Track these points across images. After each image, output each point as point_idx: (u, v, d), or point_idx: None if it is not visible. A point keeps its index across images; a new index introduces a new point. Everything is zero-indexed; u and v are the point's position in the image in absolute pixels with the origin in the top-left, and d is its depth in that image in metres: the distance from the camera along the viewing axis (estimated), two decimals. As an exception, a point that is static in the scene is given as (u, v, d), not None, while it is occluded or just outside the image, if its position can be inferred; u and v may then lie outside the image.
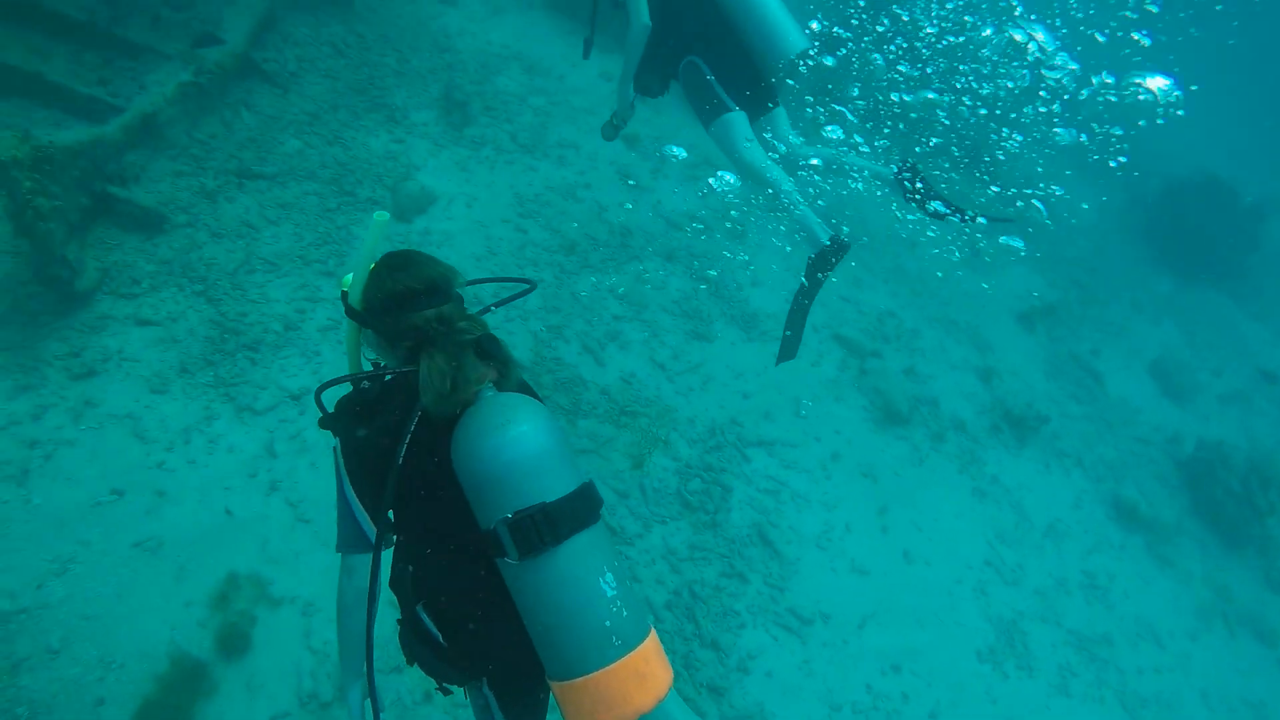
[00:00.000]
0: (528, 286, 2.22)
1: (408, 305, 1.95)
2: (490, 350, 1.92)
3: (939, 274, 9.27)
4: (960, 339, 8.44)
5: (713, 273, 7.42)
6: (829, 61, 4.84)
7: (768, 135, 4.46)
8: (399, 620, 2.03)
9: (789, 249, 8.09)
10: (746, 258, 7.86)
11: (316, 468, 4.81)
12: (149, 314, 5.14)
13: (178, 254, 5.47)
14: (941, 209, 4.08)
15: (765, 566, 5.58)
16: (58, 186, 4.59)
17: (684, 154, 4.05)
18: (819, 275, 3.99)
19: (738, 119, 4.23)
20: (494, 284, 2.23)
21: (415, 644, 1.99)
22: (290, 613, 4.31)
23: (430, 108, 7.43)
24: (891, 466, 6.68)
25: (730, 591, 5.35)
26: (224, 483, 4.65)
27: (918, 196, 4.07)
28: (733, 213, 8.21)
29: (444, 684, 2.08)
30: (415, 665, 2.05)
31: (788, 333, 4.33)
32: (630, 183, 7.89)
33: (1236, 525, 8.01)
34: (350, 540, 2.02)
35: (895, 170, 4.22)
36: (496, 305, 2.24)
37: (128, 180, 5.58)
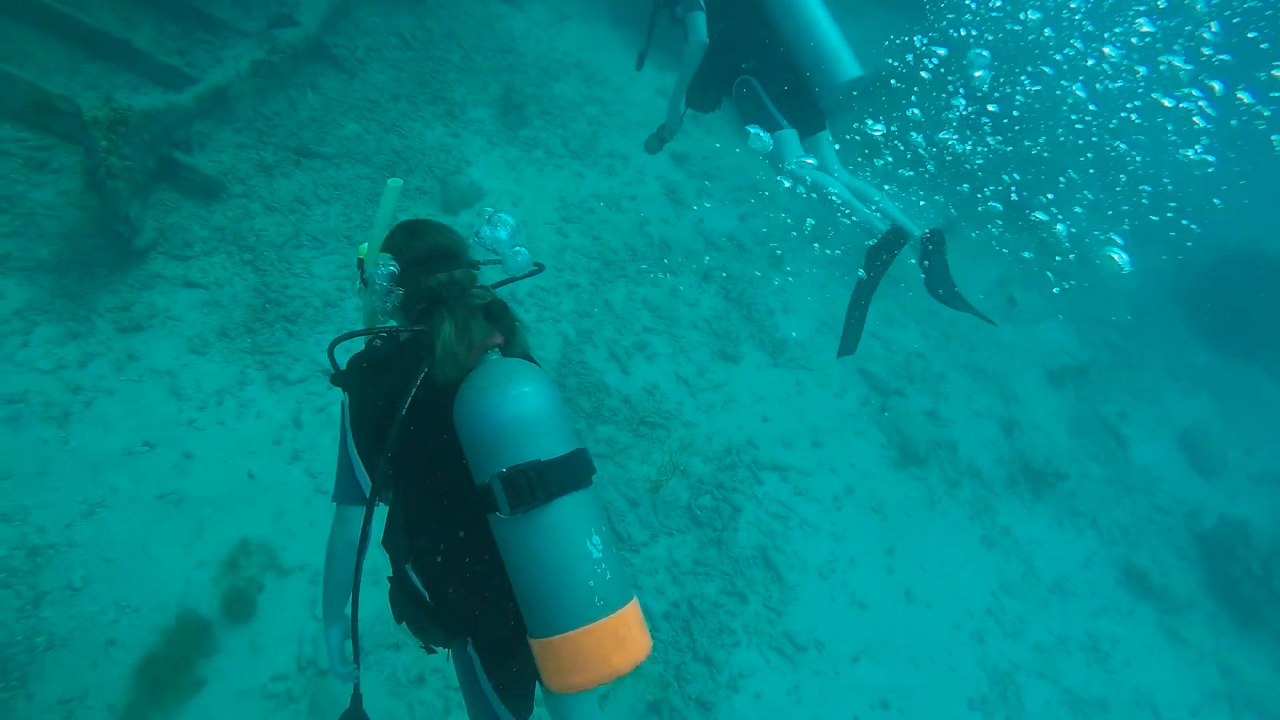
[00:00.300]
0: (536, 269, 2.27)
1: (421, 268, 2.04)
2: (498, 315, 1.99)
3: (971, 321, 9.23)
4: (986, 387, 8.41)
5: (722, 274, 7.49)
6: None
7: (811, 160, 4.53)
8: (389, 578, 2.09)
9: (826, 275, 8.14)
10: (780, 284, 7.92)
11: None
12: (197, 277, 5.33)
13: (230, 222, 5.68)
14: (939, 290, 4.09)
15: (766, 589, 5.62)
16: (129, 148, 4.80)
17: (768, 140, 4.09)
18: (880, 261, 3.95)
19: (789, 136, 4.28)
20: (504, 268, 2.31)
21: (404, 602, 2.06)
22: (299, 581, 4.44)
23: (488, 106, 7.61)
24: (903, 506, 6.67)
25: (728, 609, 5.39)
26: (249, 447, 4.81)
27: (926, 264, 4.05)
28: (772, 243, 8.28)
29: (430, 644, 2.13)
30: (403, 624, 2.12)
31: (848, 326, 4.29)
32: (673, 199, 8.01)
33: (1253, 607, 7.84)
34: (347, 492, 2.10)
35: (922, 234, 4.19)
36: (501, 284, 2.29)
37: (193, 148, 5.81)
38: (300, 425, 4.92)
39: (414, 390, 1.90)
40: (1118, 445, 8.95)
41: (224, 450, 4.74)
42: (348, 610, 2.22)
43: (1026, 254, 10.56)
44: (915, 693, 5.49)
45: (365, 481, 2.05)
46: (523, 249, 2.18)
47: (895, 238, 3.87)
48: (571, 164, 7.65)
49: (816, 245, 8.41)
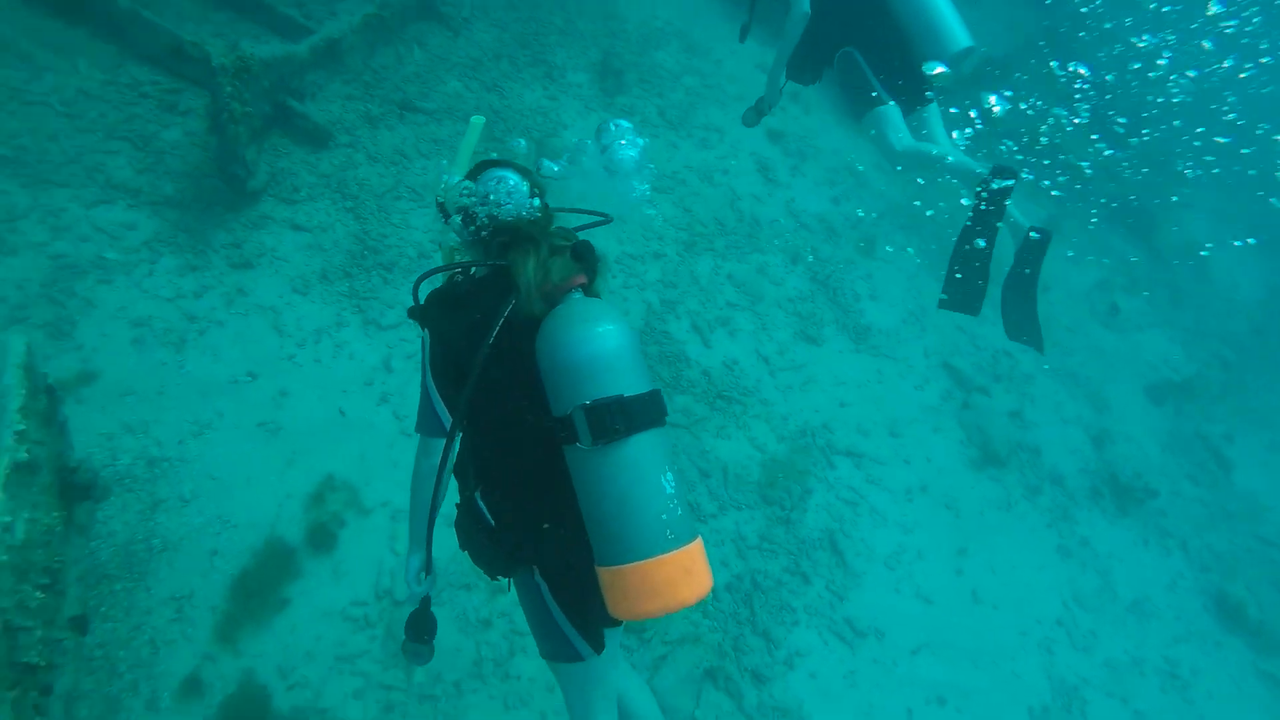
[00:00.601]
0: (603, 219, 2.31)
1: (502, 207, 2.11)
2: (585, 256, 2.04)
3: (1067, 323, 8.87)
4: (1077, 394, 8.08)
5: (809, 257, 7.37)
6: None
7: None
8: (457, 505, 2.17)
9: (916, 265, 7.93)
10: (868, 270, 7.76)
11: (426, 389, 5.14)
12: (303, 220, 5.58)
13: (336, 170, 5.90)
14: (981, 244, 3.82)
15: (830, 572, 5.59)
16: (250, 94, 5.04)
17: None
18: (992, 207, 3.72)
19: (892, 111, 4.14)
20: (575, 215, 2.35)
21: (471, 528, 2.15)
22: (379, 518, 4.63)
23: (587, 70, 7.66)
24: (977, 505, 6.51)
25: (791, 588, 5.39)
26: (342, 385, 5.04)
27: (982, 208, 3.78)
28: (859, 212, 8.09)
29: (493, 573, 2.21)
30: (466, 552, 2.21)
31: (958, 275, 3.95)
32: (768, 176, 7.91)
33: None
34: (427, 423, 2.19)
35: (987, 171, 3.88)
36: (584, 227, 2.33)
37: (305, 97, 6.05)
38: (390, 369, 5.11)
39: (501, 322, 1.95)
40: (1219, 468, 8.47)
41: (319, 387, 4.97)
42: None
43: (1133, 257, 10.06)
44: (974, 693, 5.39)
45: (445, 414, 2.12)
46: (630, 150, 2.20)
47: (1002, 174, 3.63)
48: (666, 134, 7.64)
49: (910, 234, 8.20)
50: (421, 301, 2.15)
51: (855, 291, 7.49)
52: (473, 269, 2.14)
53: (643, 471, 1.82)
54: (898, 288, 7.72)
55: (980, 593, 5.92)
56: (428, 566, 2.32)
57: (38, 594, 2.57)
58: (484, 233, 2.15)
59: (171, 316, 4.86)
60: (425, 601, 2.31)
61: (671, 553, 1.80)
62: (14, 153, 4.89)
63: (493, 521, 2.11)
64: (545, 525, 2.05)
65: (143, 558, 4.07)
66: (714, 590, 5.21)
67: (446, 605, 4.39)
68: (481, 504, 2.12)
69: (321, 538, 4.45)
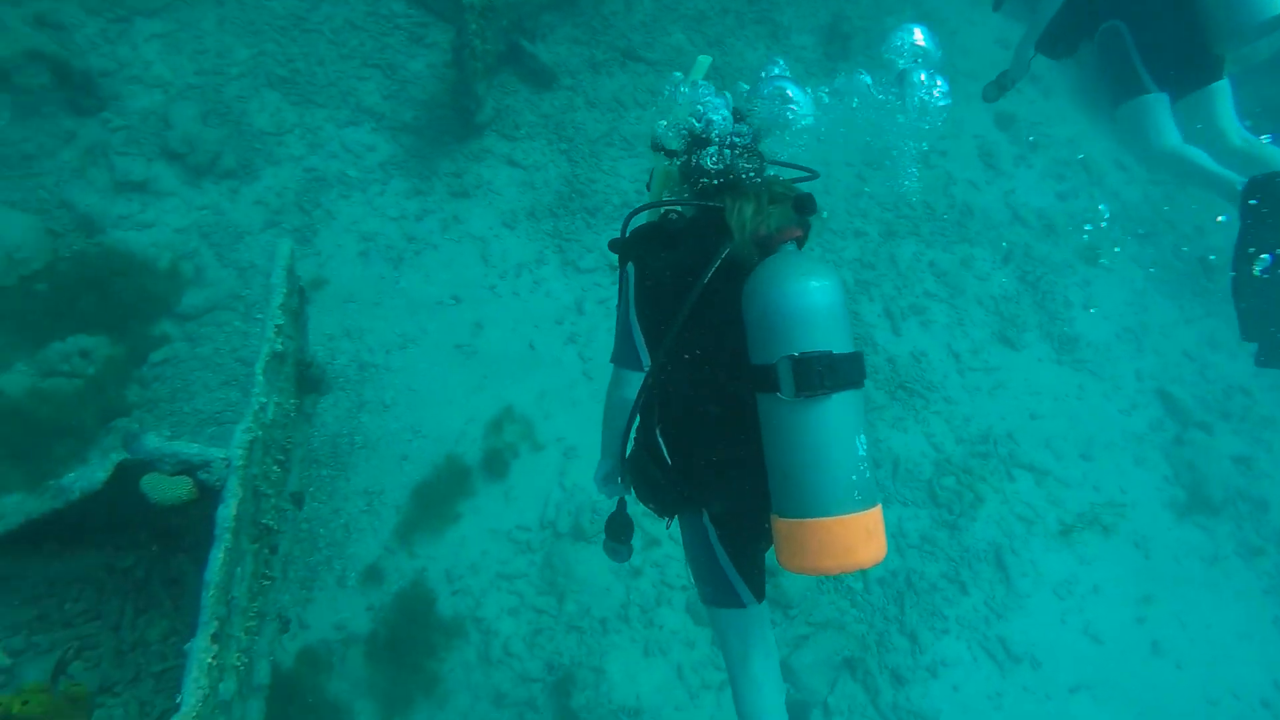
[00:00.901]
0: (809, 174, 2.22)
1: (720, 148, 2.07)
2: (807, 207, 1.98)
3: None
4: (1327, 449, 7.04)
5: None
6: None
7: (1198, 126, 3.79)
8: (634, 438, 2.19)
9: (1146, 279, 7.15)
10: (1087, 276, 7.08)
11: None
12: (520, 157, 5.83)
13: (555, 112, 6.10)
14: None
15: (991, 588, 5.29)
16: (491, 31, 5.28)
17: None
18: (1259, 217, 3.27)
19: (1156, 102, 3.65)
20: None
21: (646, 464, 2.16)
22: (553, 453, 4.85)
23: (813, 33, 7.40)
24: (1174, 550, 5.88)
25: (946, 595, 5.16)
26: (535, 320, 5.28)
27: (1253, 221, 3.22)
28: (1087, 226, 7.38)
29: (662, 511, 2.23)
30: (631, 493, 2.24)
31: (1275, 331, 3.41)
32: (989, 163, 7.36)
33: None
34: (625, 356, 2.20)
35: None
36: (798, 179, 2.25)
37: (536, 38, 6.26)
38: (582, 311, 5.30)
39: (716, 265, 1.93)
40: None
41: (514, 319, 5.24)
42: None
43: None
44: (1137, 751, 4.97)
45: (643, 349, 2.13)
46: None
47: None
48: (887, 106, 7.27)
49: (1145, 244, 7.38)
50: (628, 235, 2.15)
51: (1067, 298, 6.87)
52: (682, 209, 2.11)
53: (840, 430, 1.80)
54: (1118, 300, 7.00)
55: (1163, 646, 5.39)
56: (619, 475, 2.37)
57: (275, 468, 2.92)
58: (704, 178, 2.11)
59: (394, 235, 5.27)
60: (621, 504, 2.37)
61: (857, 514, 1.79)
62: (290, 74, 5.44)
63: (670, 460, 2.13)
64: (723, 470, 2.05)
65: (346, 450, 4.52)
66: (865, 582, 5.10)
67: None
68: (661, 441, 2.15)
69: (496, 464, 4.74)
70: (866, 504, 1.80)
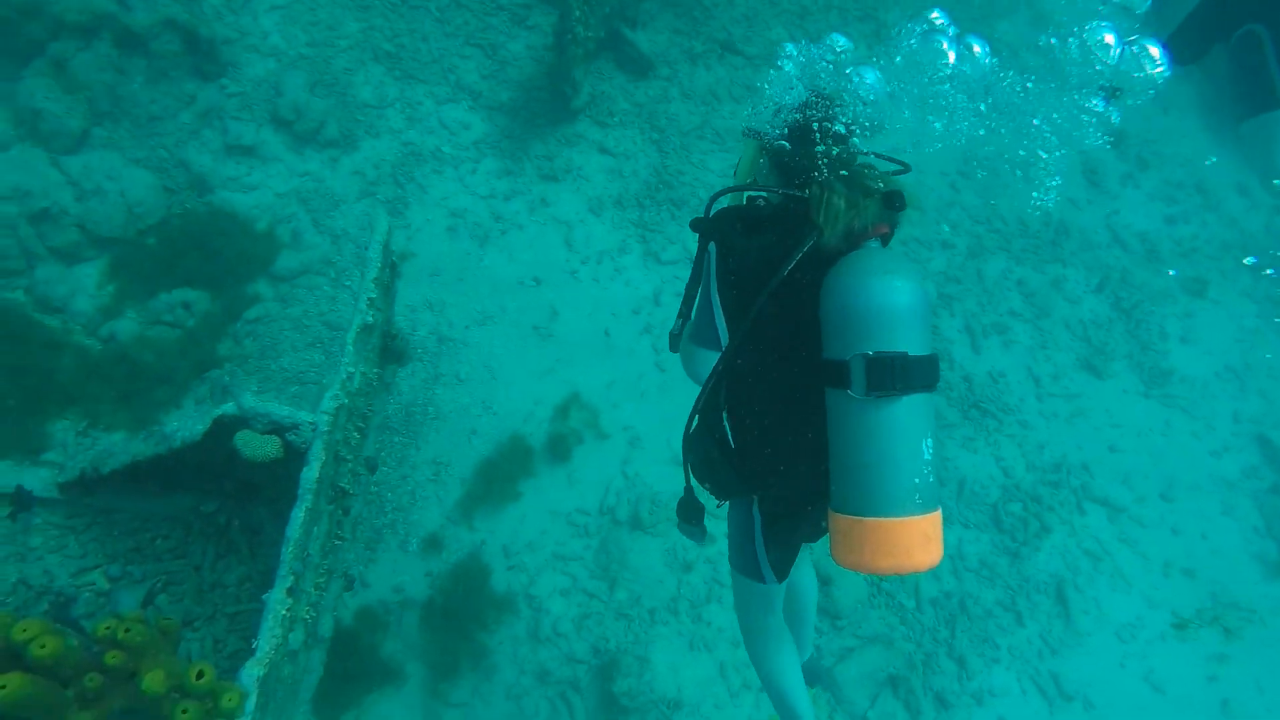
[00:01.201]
0: (901, 168, 2.16)
1: (811, 137, 2.02)
2: (896, 205, 1.94)
3: None
4: None
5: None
6: None
7: None
8: (697, 417, 2.20)
9: (1258, 316, 6.75)
10: (1189, 308, 6.73)
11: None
12: (611, 145, 5.87)
13: (649, 102, 6.11)
14: None
15: (1049, 622, 5.13)
16: (594, 18, 5.32)
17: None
18: None
19: None
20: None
21: (708, 446, 2.17)
22: (618, 442, 4.91)
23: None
24: (1255, 605, 5.59)
25: (1000, 623, 5.04)
26: (612, 308, 5.34)
27: None
28: (1198, 257, 7.00)
29: (718, 494, 2.25)
30: (689, 469, 2.25)
31: None
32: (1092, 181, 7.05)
33: None
34: (704, 336, 2.16)
35: None
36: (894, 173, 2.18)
37: (637, 25, 6.27)
38: (659, 303, 5.33)
39: (800, 255, 1.91)
40: None
41: (591, 305, 5.32)
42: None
43: None
44: (1191, 810, 4.77)
45: (724, 329, 2.12)
46: None
47: None
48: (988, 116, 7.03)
49: (1262, 279, 6.96)
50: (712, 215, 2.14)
51: (1164, 330, 6.55)
52: (769, 195, 2.09)
53: (908, 432, 1.79)
54: (1224, 336, 6.63)
55: (1234, 705, 5.14)
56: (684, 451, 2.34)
57: (355, 434, 3.05)
58: (790, 157, 2.07)
59: (482, 213, 5.39)
60: (689, 489, 2.38)
61: (917, 517, 1.79)
62: (395, 49, 5.61)
63: (732, 443, 2.16)
64: (783, 459, 2.07)
65: (419, 420, 4.69)
66: (917, 601, 5.02)
67: (662, 537, 4.62)
68: (726, 424, 2.17)
69: (559, 449, 4.83)
70: (927, 508, 1.80)
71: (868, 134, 2.10)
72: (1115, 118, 1.92)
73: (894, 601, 4.98)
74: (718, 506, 2.38)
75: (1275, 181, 3.39)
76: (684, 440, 2.27)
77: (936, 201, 6.32)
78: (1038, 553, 5.35)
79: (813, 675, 3.22)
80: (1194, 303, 6.72)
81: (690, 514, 2.38)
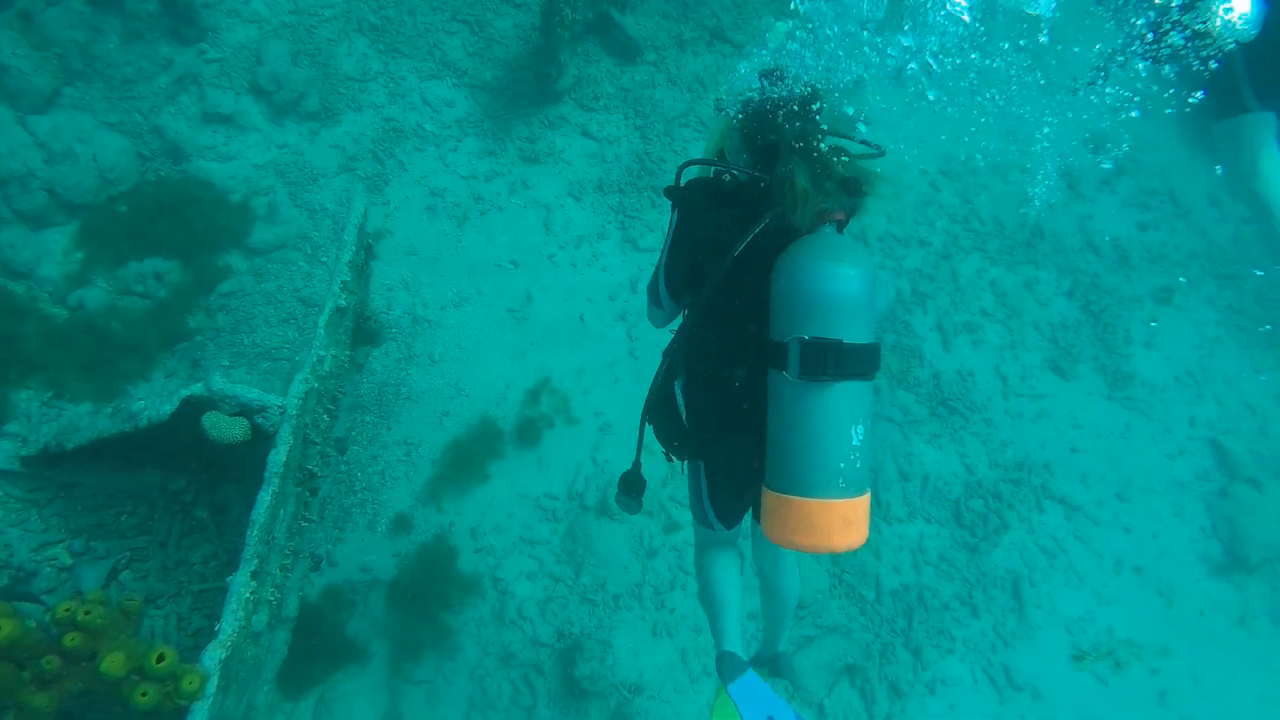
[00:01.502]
0: (876, 151, 2.15)
1: (776, 113, 2.03)
2: (854, 190, 1.94)
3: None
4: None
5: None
6: None
7: None
8: (655, 383, 2.31)
9: (1218, 324, 6.91)
10: (1155, 313, 6.87)
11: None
12: (594, 129, 5.84)
13: (635, 87, 6.08)
14: None
15: (1003, 615, 5.28)
16: (582, 0, 5.27)
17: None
18: None
19: (1260, 122, 3.48)
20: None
21: (664, 411, 2.30)
22: (588, 428, 4.94)
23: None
24: (1199, 605, 5.78)
25: (956, 616, 5.17)
26: (588, 294, 5.34)
27: None
28: (1166, 265, 7.12)
29: (671, 453, 2.36)
30: (649, 425, 2.36)
31: None
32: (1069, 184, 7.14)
33: None
34: (651, 291, 2.34)
35: None
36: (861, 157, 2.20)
37: (626, 9, 6.21)
38: (635, 291, 5.34)
39: (756, 231, 1.93)
40: None
41: (567, 289, 5.32)
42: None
43: None
44: (1128, 799, 4.97)
45: (663, 290, 2.25)
46: None
47: None
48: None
49: (1225, 286, 7.10)
50: (682, 185, 2.17)
51: (1130, 334, 6.68)
52: (738, 173, 2.08)
53: (837, 418, 1.84)
54: (1184, 343, 6.78)
55: (1170, 698, 5.33)
56: (640, 428, 2.46)
57: (325, 416, 3.06)
58: (759, 136, 2.08)
59: (462, 193, 5.36)
60: (636, 465, 2.48)
61: (839, 500, 1.85)
62: (381, 22, 5.52)
63: (684, 411, 2.24)
64: (731, 431, 2.12)
65: (391, 400, 4.68)
66: (877, 592, 5.14)
67: (629, 524, 4.67)
68: (679, 394, 2.25)
69: (530, 433, 4.85)
70: (850, 493, 1.86)
71: (813, 108, 2.07)
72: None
73: (854, 593, 5.10)
74: (670, 462, 2.45)
75: (1249, 184, 3.46)
76: (644, 407, 2.36)
77: (915, 199, 6.37)
78: (996, 548, 5.48)
79: (779, 668, 3.29)
80: (1160, 308, 6.86)
81: (631, 488, 2.49)
